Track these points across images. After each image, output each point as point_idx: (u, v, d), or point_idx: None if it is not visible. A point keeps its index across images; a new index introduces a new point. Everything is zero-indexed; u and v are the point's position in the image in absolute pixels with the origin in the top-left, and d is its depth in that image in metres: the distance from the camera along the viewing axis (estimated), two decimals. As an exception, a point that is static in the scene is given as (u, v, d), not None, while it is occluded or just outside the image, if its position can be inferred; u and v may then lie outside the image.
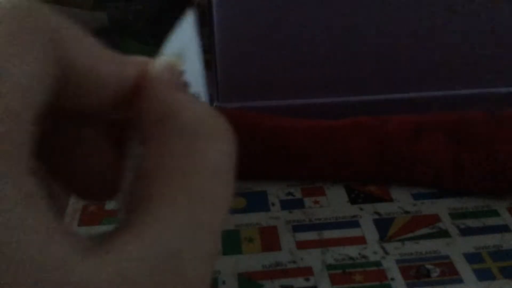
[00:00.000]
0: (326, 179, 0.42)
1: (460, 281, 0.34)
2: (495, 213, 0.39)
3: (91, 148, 0.17)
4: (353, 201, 0.40)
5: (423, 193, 0.41)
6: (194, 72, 0.20)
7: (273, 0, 0.39)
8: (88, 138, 0.17)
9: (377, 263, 0.35)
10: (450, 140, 0.39)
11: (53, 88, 0.14)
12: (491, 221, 0.38)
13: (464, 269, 0.34)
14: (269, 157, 0.40)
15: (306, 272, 0.34)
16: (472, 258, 0.35)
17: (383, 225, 0.38)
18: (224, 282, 0.33)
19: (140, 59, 0.17)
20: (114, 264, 0.12)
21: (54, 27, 0.14)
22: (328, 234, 0.37)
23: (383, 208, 0.39)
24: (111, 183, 0.17)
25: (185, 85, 0.17)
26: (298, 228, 0.38)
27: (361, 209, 0.39)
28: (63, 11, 0.39)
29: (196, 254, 0.14)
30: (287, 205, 0.40)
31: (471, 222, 0.38)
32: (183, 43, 0.18)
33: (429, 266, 0.35)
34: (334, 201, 0.40)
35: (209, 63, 0.55)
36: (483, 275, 0.34)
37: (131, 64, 0.16)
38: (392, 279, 0.34)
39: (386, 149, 0.39)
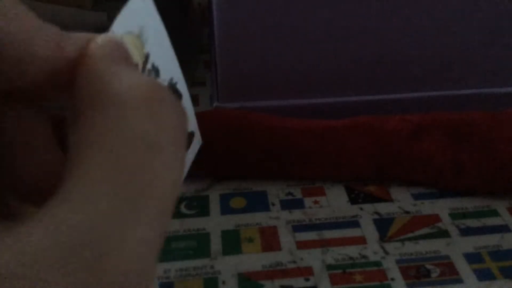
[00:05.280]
0: (326, 179, 0.42)
1: (460, 281, 0.34)
2: (495, 213, 0.39)
3: (32, 140, 0.15)
4: (353, 201, 0.40)
5: (423, 193, 0.41)
6: (162, 56, 0.18)
7: (273, 0, 0.39)
8: (29, 127, 0.15)
9: (377, 263, 0.35)
10: (450, 140, 0.39)
11: None
12: (491, 221, 0.38)
13: (464, 269, 0.34)
14: (269, 157, 0.40)
15: (306, 272, 0.34)
16: (472, 258, 0.35)
17: (383, 225, 0.38)
18: (224, 282, 0.33)
19: (82, 35, 0.15)
20: (12, 250, 0.11)
21: None
22: (328, 234, 0.37)
23: (383, 208, 0.39)
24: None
25: (129, 59, 0.15)
26: (298, 228, 0.38)
27: (361, 209, 0.39)
28: (63, 11, 0.38)
29: (124, 239, 0.12)
30: (287, 205, 0.40)
31: (471, 222, 0.38)
32: (141, 23, 0.17)
33: (429, 266, 0.35)
34: (334, 201, 0.40)
35: (209, 63, 0.55)
36: (483, 275, 0.34)
37: (72, 40, 0.14)
38: (392, 279, 0.34)
39: (386, 149, 0.39)
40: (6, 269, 0.11)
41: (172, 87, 0.19)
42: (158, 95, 0.14)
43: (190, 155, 0.21)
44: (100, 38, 0.15)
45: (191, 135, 0.21)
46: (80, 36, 0.15)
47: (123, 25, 0.16)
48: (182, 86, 0.19)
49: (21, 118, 0.15)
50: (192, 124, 0.21)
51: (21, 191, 0.15)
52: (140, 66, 0.17)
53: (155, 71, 0.18)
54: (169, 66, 0.19)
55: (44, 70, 0.14)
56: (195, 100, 0.51)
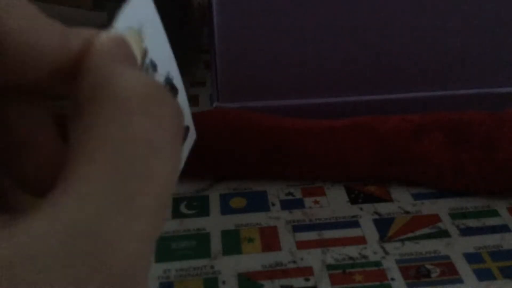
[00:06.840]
0: (326, 179, 0.42)
1: (460, 281, 0.34)
2: (495, 213, 0.39)
3: (36, 134, 0.16)
4: (353, 201, 0.40)
5: (423, 193, 0.41)
6: (159, 51, 0.19)
7: (273, 1, 0.39)
8: (33, 121, 0.16)
9: (377, 263, 0.35)
10: (450, 140, 0.39)
11: None
12: (491, 221, 0.38)
13: (464, 269, 0.34)
14: (269, 157, 0.40)
15: (306, 272, 0.34)
16: (472, 258, 0.35)
17: (383, 225, 0.38)
18: (224, 282, 0.33)
19: (86, 30, 0.15)
20: (12, 241, 0.11)
21: None
22: (328, 234, 0.37)
23: (383, 208, 0.39)
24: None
25: (132, 58, 0.16)
26: (298, 228, 0.38)
27: (361, 209, 0.39)
28: (63, 11, 0.38)
29: (121, 233, 0.12)
30: (287, 205, 0.40)
31: (471, 222, 0.38)
32: (141, 19, 0.17)
33: (429, 266, 0.35)
34: (334, 201, 0.40)
35: (209, 63, 0.55)
36: (483, 275, 0.34)
37: (76, 35, 0.15)
38: (392, 279, 0.34)
39: (386, 149, 0.39)
40: (5, 261, 0.11)
41: (169, 82, 0.19)
42: (156, 94, 0.14)
43: (186, 149, 0.21)
44: (104, 34, 0.15)
45: (186, 130, 0.21)
46: (84, 31, 0.15)
47: (125, 21, 0.17)
48: (178, 81, 0.20)
49: (26, 113, 0.16)
50: (187, 119, 0.21)
51: (23, 182, 0.16)
52: (139, 61, 0.17)
53: (153, 66, 0.18)
54: (166, 61, 0.19)
55: (48, 64, 0.14)
56: (195, 100, 0.51)
